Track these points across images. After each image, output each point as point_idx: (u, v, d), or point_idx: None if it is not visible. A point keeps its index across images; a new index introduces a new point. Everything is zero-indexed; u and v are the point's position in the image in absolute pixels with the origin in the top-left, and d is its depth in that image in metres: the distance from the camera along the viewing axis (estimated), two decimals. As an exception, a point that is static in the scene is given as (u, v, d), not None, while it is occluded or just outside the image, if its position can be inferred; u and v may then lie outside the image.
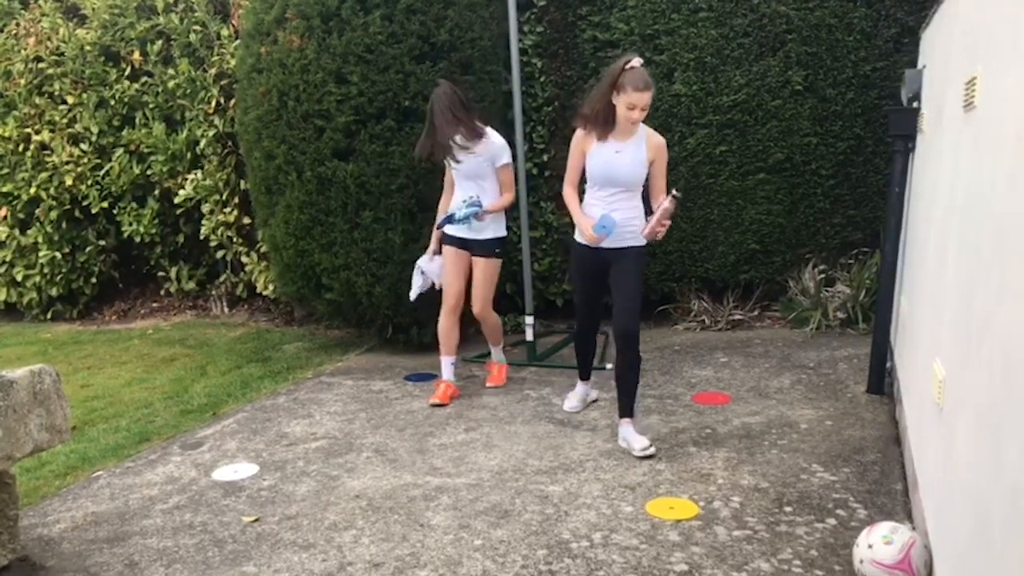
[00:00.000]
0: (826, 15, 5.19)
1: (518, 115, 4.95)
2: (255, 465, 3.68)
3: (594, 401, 4.29)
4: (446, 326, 4.49)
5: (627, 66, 3.42)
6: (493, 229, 4.41)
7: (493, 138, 4.33)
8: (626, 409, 3.68)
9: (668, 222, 3.53)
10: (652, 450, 3.53)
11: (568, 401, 4.22)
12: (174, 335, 6.56)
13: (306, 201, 5.11)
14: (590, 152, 3.64)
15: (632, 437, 3.60)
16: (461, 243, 4.43)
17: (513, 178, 4.45)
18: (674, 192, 3.50)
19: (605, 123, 3.56)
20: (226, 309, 7.16)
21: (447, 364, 4.53)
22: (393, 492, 3.30)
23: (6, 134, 6.97)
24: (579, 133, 3.67)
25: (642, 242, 3.63)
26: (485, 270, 4.43)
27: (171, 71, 6.56)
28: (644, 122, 3.59)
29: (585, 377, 4.18)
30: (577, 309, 3.95)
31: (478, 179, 4.35)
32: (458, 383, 4.66)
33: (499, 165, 4.36)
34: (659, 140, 3.64)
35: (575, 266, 3.85)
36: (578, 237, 3.75)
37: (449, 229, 4.41)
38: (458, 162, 4.32)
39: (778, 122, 5.35)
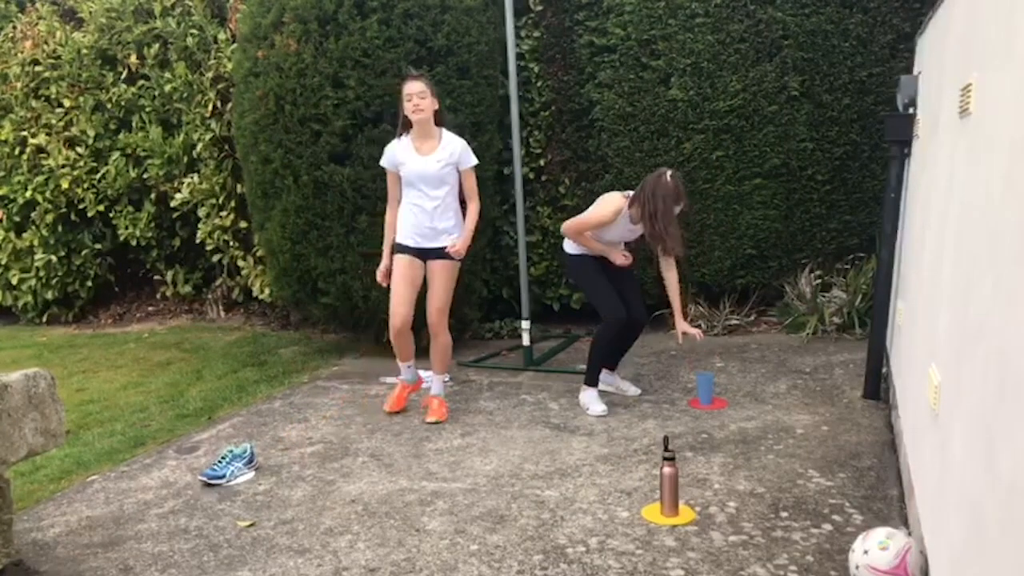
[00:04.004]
0: (822, 21, 5.20)
1: (515, 120, 4.96)
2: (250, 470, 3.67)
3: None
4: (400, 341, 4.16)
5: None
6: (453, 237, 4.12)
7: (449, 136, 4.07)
8: (613, 366, 4.40)
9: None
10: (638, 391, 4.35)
11: (598, 406, 4.12)
12: (170, 339, 6.54)
13: (302, 205, 5.10)
14: (615, 223, 4.05)
15: (623, 383, 4.37)
16: (418, 252, 4.11)
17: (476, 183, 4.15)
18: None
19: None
20: (222, 313, 7.15)
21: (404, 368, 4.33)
22: (389, 497, 3.30)
23: (2, 137, 6.97)
24: (619, 208, 3.98)
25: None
26: (442, 273, 4.09)
27: (168, 75, 6.56)
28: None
29: (613, 367, 4.42)
30: (608, 307, 4.05)
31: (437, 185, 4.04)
32: (452, 387, 4.66)
33: (465, 168, 4.08)
34: None
35: (586, 269, 4.14)
36: (573, 251, 4.19)
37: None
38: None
39: (774, 127, 5.36)
